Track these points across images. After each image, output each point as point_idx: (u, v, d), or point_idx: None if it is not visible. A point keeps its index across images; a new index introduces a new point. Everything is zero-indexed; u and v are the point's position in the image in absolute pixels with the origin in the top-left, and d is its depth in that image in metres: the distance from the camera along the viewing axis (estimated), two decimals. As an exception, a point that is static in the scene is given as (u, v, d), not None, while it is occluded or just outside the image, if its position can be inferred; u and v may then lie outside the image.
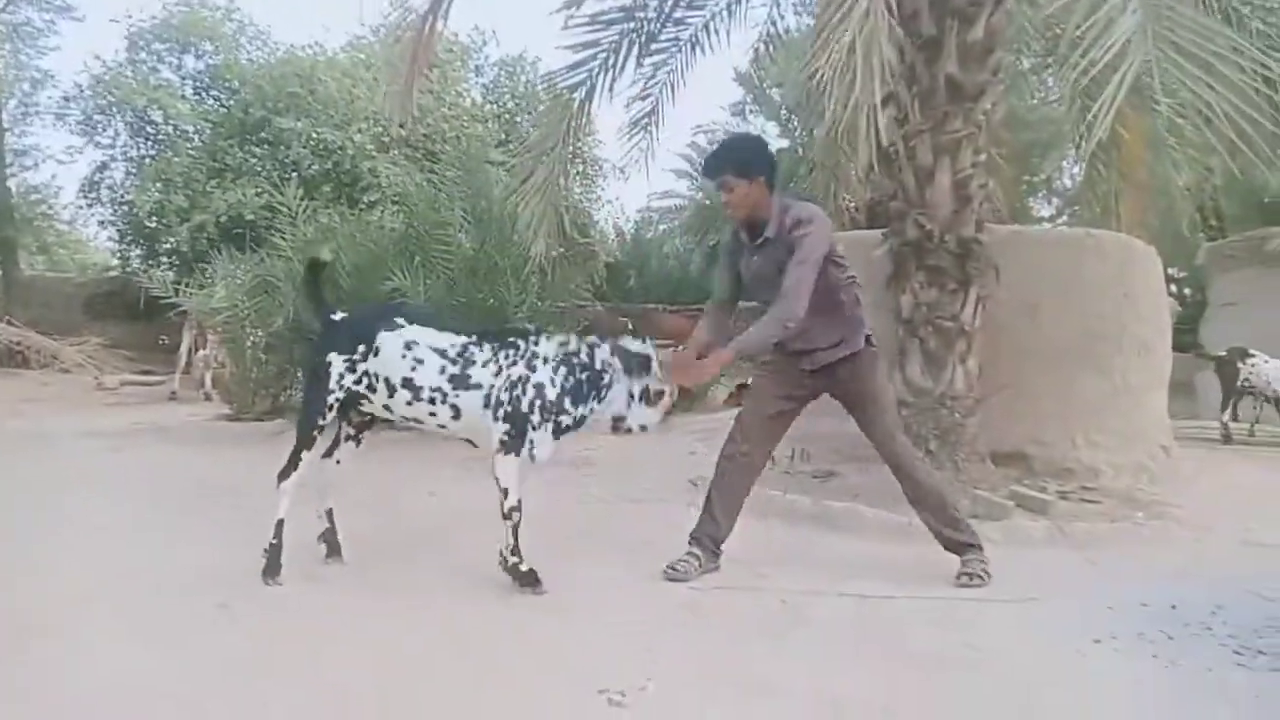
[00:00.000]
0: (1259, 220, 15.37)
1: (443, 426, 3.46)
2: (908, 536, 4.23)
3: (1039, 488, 5.08)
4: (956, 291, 5.27)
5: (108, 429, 8.56)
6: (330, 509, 3.71)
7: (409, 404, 3.42)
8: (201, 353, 12.19)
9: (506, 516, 3.36)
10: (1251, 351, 8.65)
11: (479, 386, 3.38)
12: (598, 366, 3.43)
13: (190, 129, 16.28)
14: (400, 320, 3.51)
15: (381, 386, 3.44)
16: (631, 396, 3.45)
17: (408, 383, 3.40)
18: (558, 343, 3.45)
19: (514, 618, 3.12)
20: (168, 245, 16.36)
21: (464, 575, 3.64)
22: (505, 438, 3.35)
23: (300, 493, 3.51)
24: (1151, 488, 5.40)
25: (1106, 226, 6.63)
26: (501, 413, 3.35)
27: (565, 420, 3.42)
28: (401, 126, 14.34)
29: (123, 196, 16.52)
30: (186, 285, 9.56)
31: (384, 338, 3.43)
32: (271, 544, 3.43)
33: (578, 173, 17.45)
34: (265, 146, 15.73)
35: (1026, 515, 4.63)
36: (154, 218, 15.55)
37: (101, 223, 17.94)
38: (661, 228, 26.85)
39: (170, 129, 16.23)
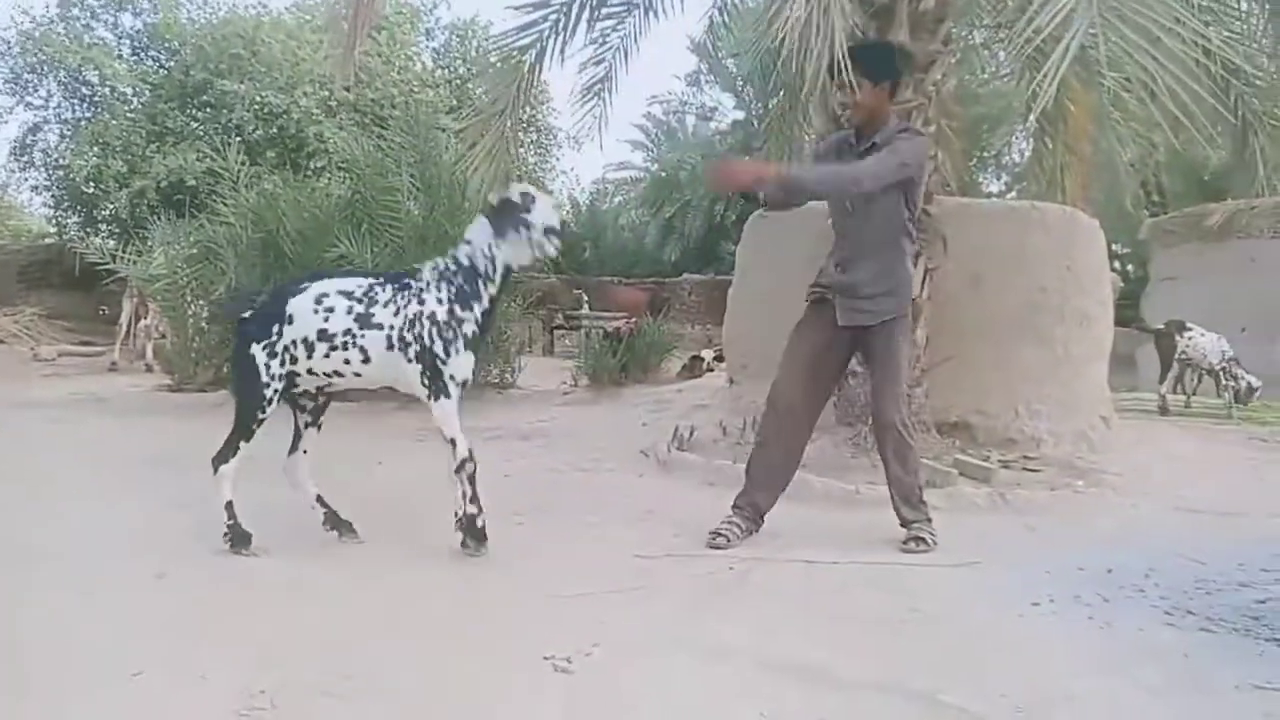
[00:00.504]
0: (1200, 196, 15.78)
1: (358, 375, 3.39)
2: (854, 504, 4.29)
3: (982, 456, 5.17)
4: (905, 262, 5.31)
5: (45, 400, 8.33)
6: (319, 495, 3.64)
7: (327, 356, 3.34)
8: (143, 322, 11.88)
9: (459, 469, 3.32)
10: (1189, 325, 8.87)
11: (380, 326, 3.32)
12: (467, 263, 3.36)
13: (128, 91, 15.76)
14: (304, 283, 3.44)
15: (301, 351, 3.34)
16: (530, 236, 3.33)
17: (323, 334, 3.32)
18: (429, 267, 3.40)
19: (460, 586, 3.10)
20: (106, 212, 15.92)
21: (411, 544, 3.60)
22: (425, 382, 3.32)
23: (245, 467, 3.44)
24: (1091, 456, 5.52)
25: (1052, 200, 6.72)
26: (412, 353, 3.31)
27: (469, 328, 3.34)
28: (347, 90, 14.07)
29: (58, 160, 15.95)
30: (126, 253, 9.29)
31: (294, 303, 3.36)
32: (228, 525, 3.38)
33: (531, 141, 17.27)
34: (207, 110, 15.33)
35: (969, 483, 4.72)
36: (91, 183, 15.07)
37: (35, 188, 17.34)
38: (617, 199, 26.80)
39: (107, 90, 15.68)
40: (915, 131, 3.61)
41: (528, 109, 10.76)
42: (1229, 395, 8.70)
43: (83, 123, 15.75)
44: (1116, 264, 17.50)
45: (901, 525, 3.70)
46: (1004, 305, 5.66)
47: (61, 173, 15.76)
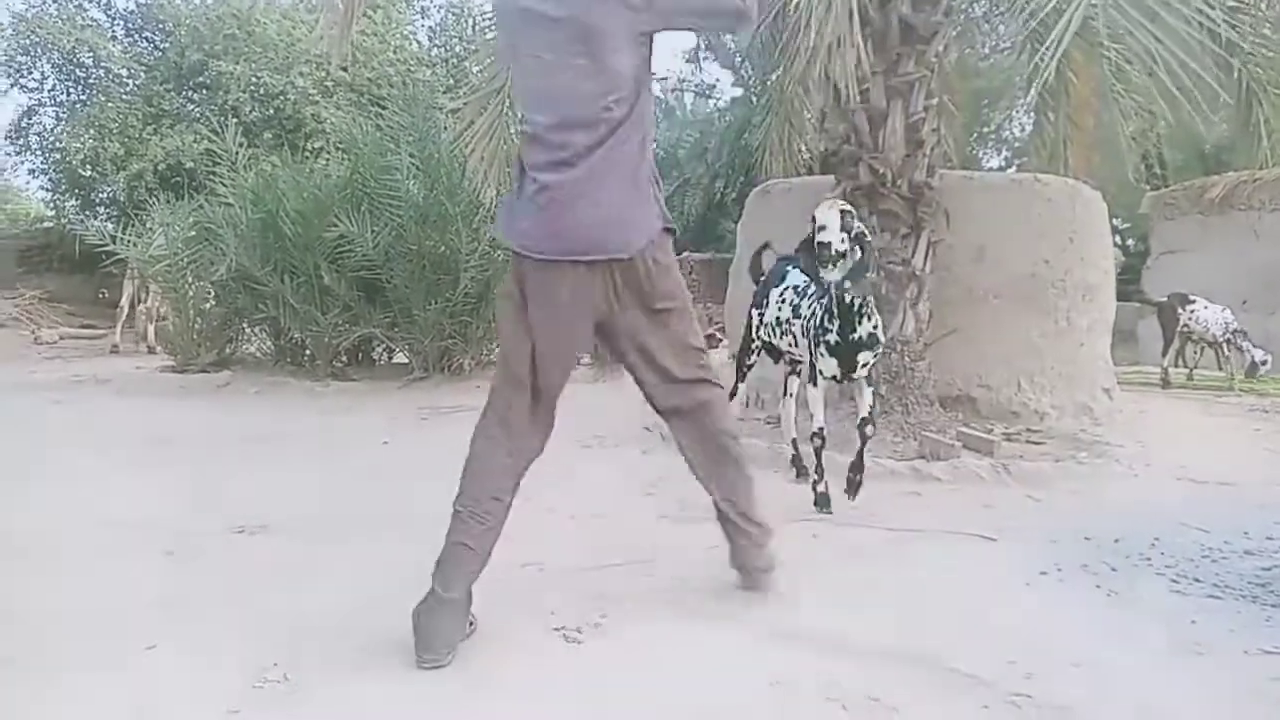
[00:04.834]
0: (1201, 169, 15.68)
1: (800, 357, 3.99)
2: (859, 476, 4.29)
3: (985, 429, 5.18)
4: (908, 236, 5.30)
5: (48, 382, 8.33)
6: (795, 439, 4.33)
7: (782, 337, 4.04)
8: (143, 305, 11.87)
9: (809, 439, 3.82)
10: (1191, 297, 8.83)
11: (801, 318, 3.85)
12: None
13: (123, 73, 15.63)
14: (787, 268, 4.08)
15: (775, 331, 4.07)
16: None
17: (778, 320, 4.03)
18: None
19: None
20: (104, 194, 15.82)
21: (416, 522, 3.60)
22: (806, 367, 3.84)
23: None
24: (1094, 429, 5.53)
25: (1054, 174, 6.69)
26: (804, 343, 3.82)
27: (832, 338, 3.60)
28: (344, 70, 13.96)
29: (54, 144, 15.83)
30: (125, 235, 9.25)
31: (772, 293, 4.09)
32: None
33: (529, 120, 17.11)
34: (203, 91, 15.22)
35: (973, 455, 4.72)
36: (88, 166, 14.95)
37: (32, 171, 17.18)
38: (615, 178, 26.65)
39: (101, 72, 15.54)
40: None
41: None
42: (1231, 368, 8.68)
43: (78, 105, 15.61)
44: (1117, 238, 17.42)
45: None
46: (1007, 277, 5.65)
47: (58, 156, 15.61)
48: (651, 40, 2.31)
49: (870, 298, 3.60)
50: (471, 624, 2.40)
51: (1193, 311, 8.67)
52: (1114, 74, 6.09)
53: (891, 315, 5.26)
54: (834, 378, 3.68)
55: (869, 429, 3.74)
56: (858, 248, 3.37)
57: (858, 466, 3.77)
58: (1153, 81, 4.34)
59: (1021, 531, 3.51)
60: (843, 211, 3.34)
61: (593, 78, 2.22)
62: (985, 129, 19.08)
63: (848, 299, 3.50)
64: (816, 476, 3.80)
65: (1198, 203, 13.26)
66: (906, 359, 5.26)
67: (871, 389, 3.79)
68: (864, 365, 3.65)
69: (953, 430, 5.05)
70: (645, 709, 2.05)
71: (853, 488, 3.77)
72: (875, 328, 3.63)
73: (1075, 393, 5.78)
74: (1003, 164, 20.77)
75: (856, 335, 3.56)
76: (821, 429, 3.75)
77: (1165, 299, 9.00)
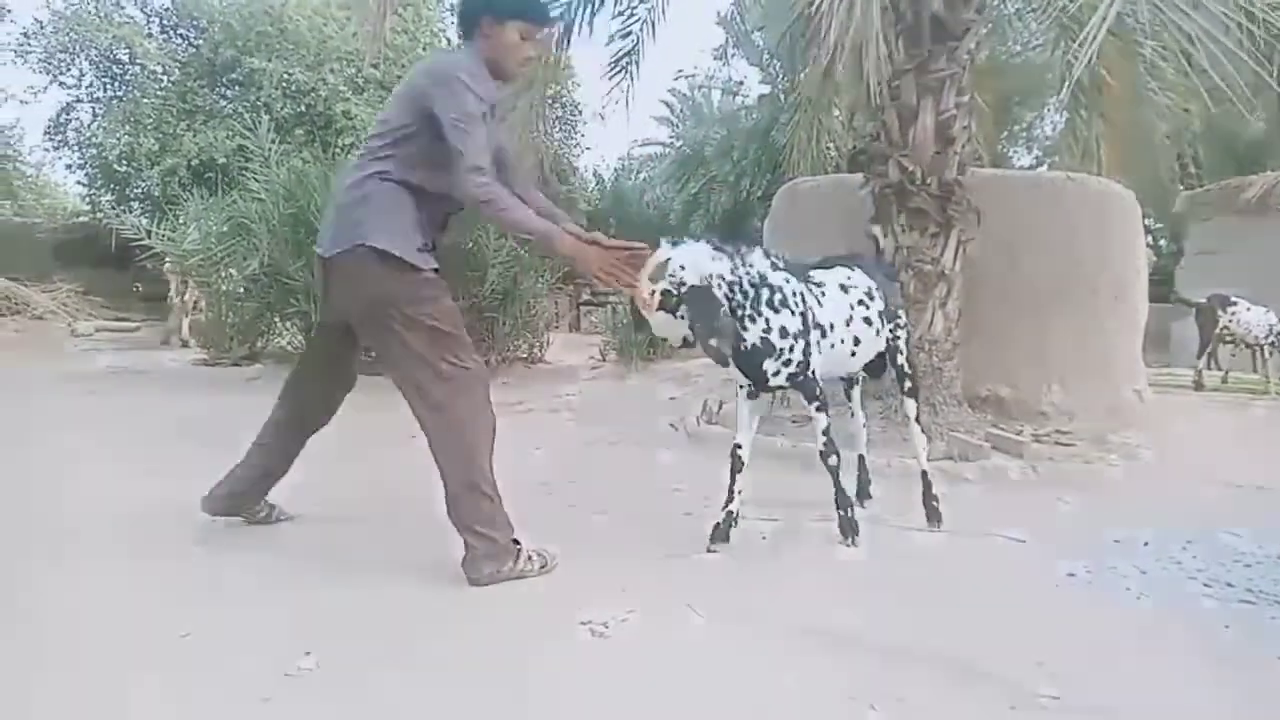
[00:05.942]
0: (1236, 169, 15.44)
1: None
2: (882, 476, 4.27)
3: (1014, 430, 5.14)
4: (938, 235, 5.26)
5: (84, 373, 8.46)
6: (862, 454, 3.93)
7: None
8: (180, 299, 12.03)
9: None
10: (1233, 299, 8.67)
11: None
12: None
13: (158, 69, 15.83)
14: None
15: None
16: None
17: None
18: None
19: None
20: (139, 190, 16.02)
21: (441, 515, 3.63)
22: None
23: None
24: (1124, 431, 5.47)
25: (1087, 172, 6.62)
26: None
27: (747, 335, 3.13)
28: (375, 67, 14.05)
29: (90, 139, 16.07)
30: (159, 230, 9.38)
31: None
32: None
33: (557, 117, 17.19)
34: (236, 87, 15.38)
35: (1002, 456, 4.69)
36: (123, 161, 15.17)
37: (69, 166, 17.44)
38: (642, 176, 26.62)
39: (137, 69, 15.76)
40: None
41: (554, 84, 10.72)
42: (1268, 370, 8.53)
43: (114, 101, 15.84)
44: (1149, 238, 17.17)
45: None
46: (1038, 277, 5.60)
47: (94, 151, 15.84)
48: (431, 119, 2.75)
49: (757, 294, 3.10)
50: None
51: (1234, 314, 8.52)
52: (1149, 71, 6.02)
53: (920, 314, 5.23)
54: (751, 387, 3.27)
55: (831, 460, 3.28)
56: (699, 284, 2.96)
57: (841, 501, 3.32)
58: (1188, 79, 4.28)
59: (1050, 533, 3.49)
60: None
61: (383, 120, 2.95)
62: (1016, 127, 18.89)
63: (720, 296, 3.01)
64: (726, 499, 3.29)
65: (1233, 203, 13.06)
66: (935, 359, 5.23)
67: (820, 408, 3.26)
68: (775, 375, 3.17)
69: (981, 431, 5.02)
70: (670, 704, 2.06)
71: (845, 528, 3.28)
72: (766, 332, 3.10)
73: (1106, 394, 5.72)
74: (1034, 162, 20.53)
75: (745, 344, 3.10)
76: (737, 447, 3.30)
77: (1205, 300, 8.85)
